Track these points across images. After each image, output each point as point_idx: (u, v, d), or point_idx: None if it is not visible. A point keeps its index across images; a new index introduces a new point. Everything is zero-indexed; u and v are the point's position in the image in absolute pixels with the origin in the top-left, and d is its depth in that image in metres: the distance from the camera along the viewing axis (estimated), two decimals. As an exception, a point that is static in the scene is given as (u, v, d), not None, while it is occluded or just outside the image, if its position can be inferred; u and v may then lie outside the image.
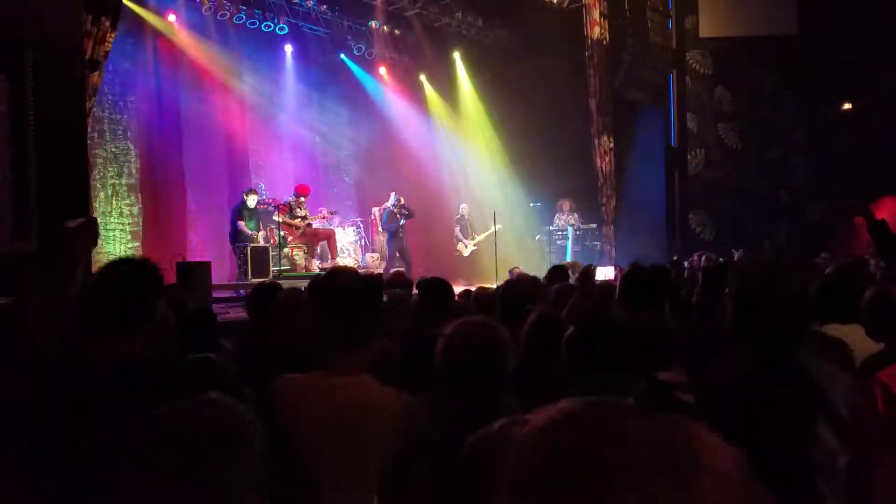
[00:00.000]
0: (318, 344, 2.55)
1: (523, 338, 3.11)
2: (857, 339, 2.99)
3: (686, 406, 2.42)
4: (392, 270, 9.39)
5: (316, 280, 2.75)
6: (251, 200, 11.06)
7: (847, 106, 13.84)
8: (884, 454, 1.75)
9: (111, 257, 9.97)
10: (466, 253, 13.24)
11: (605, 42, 12.94)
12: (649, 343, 2.40)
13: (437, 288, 4.20)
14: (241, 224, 10.84)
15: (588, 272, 4.31)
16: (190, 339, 2.99)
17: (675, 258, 10.44)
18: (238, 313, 7.02)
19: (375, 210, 13.64)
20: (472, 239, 13.29)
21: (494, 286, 6.64)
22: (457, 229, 13.42)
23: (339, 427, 2.30)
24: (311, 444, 2.29)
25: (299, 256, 11.63)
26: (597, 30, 12.89)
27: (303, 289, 4.35)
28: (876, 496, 1.76)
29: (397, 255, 12.35)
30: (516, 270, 10.57)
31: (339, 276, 2.70)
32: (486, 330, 2.37)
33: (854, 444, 1.84)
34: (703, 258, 9.92)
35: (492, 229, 12.89)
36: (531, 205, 13.56)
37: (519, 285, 4.56)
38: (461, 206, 13.57)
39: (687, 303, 4.77)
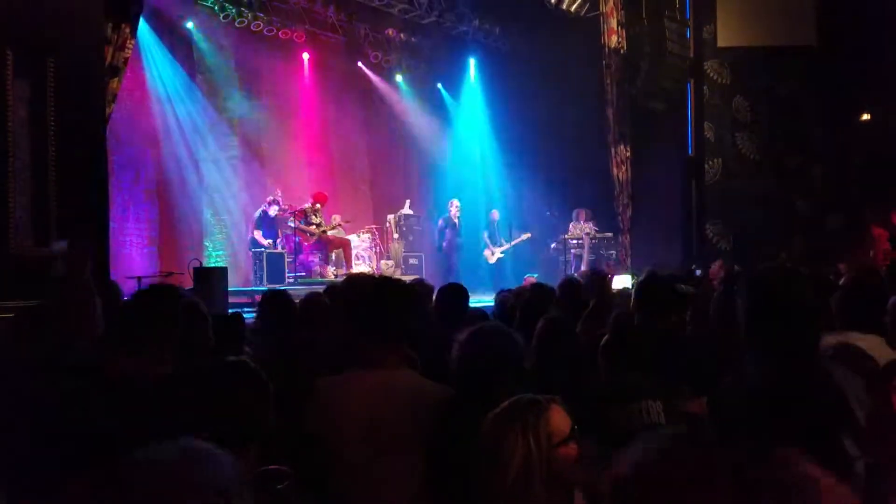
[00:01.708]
0: (343, 343, 2.59)
1: (534, 343, 3.13)
2: (874, 346, 2.95)
3: (699, 418, 2.42)
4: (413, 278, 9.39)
5: (340, 284, 2.82)
6: (272, 210, 11.26)
7: (866, 116, 13.73)
8: None
9: (128, 262, 10.07)
10: (493, 260, 13.08)
11: (622, 51, 12.92)
12: (667, 349, 2.42)
13: (454, 294, 4.24)
14: (258, 234, 11.05)
15: (604, 282, 4.33)
16: (217, 343, 3.04)
17: (692, 267, 10.39)
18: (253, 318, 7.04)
19: (390, 217, 13.66)
20: (500, 246, 13.17)
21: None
22: (485, 235, 13.31)
23: (381, 419, 2.33)
24: (354, 438, 2.32)
25: (314, 262, 11.70)
26: (614, 38, 12.87)
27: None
28: (893, 500, 1.77)
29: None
30: (530, 280, 10.56)
31: (371, 279, 2.78)
32: (500, 335, 2.40)
33: (872, 449, 1.86)
34: (718, 266, 9.86)
35: (521, 237, 12.91)
36: (547, 213, 13.52)
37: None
38: (491, 212, 13.47)
39: (705, 312, 4.75)
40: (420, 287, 5.10)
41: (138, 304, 2.70)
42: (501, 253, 13.10)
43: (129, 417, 1.93)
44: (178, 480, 1.06)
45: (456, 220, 12.78)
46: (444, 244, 12.69)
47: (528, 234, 13.09)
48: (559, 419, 1.70)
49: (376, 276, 10.59)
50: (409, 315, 2.56)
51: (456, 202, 12.98)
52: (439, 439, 2.27)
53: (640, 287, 3.43)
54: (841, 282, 4.80)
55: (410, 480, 2.29)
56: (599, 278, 4.43)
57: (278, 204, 11.49)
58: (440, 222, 12.95)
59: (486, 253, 13.20)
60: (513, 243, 13.06)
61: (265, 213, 11.28)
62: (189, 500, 1.04)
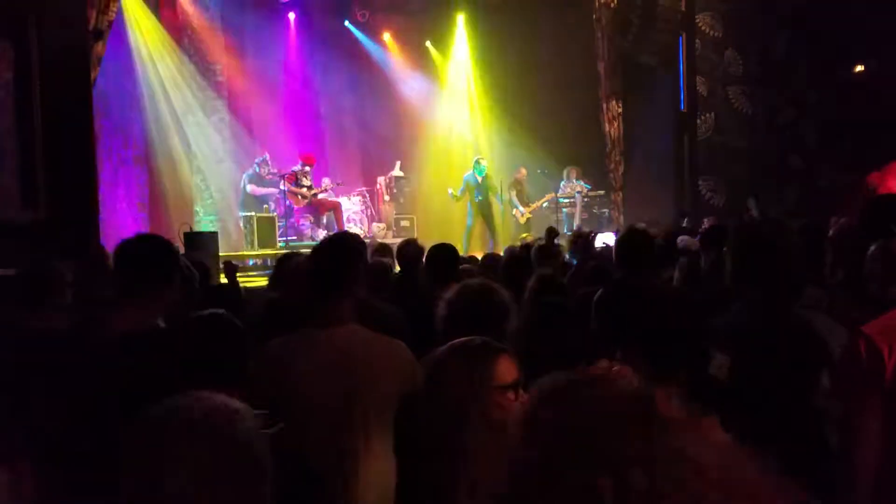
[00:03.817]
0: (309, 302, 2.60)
1: (526, 299, 3.14)
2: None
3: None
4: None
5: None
6: (264, 170, 11.28)
7: (860, 68, 13.62)
8: (866, 403, 1.85)
9: (118, 229, 10.02)
10: (523, 221, 12.51)
11: (613, 4, 12.74)
12: (646, 303, 2.44)
13: (444, 254, 4.23)
14: (251, 187, 11.03)
15: (588, 239, 4.37)
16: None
17: (683, 225, 10.40)
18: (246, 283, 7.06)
19: (381, 179, 13.58)
20: (528, 206, 12.66)
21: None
22: (512, 194, 12.72)
23: (333, 375, 2.34)
24: (309, 398, 2.33)
25: (306, 226, 11.66)
26: (605, -9, 12.69)
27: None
28: (860, 442, 1.86)
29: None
30: (527, 239, 10.53)
31: (324, 238, 2.81)
32: (487, 292, 2.41)
33: (841, 392, 1.95)
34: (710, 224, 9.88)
35: (545, 198, 12.64)
36: (538, 171, 13.45)
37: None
38: (518, 169, 12.95)
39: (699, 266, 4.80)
40: (410, 247, 5.10)
41: (135, 252, 2.57)
42: (531, 213, 12.61)
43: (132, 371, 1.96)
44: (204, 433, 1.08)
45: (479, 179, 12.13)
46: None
47: (552, 194, 12.71)
48: (504, 368, 1.71)
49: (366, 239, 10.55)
50: (348, 271, 2.52)
51: (398, 163, 12.91)
52: (412, 393, 2.31)
53: (618, 243, 3.44)
54: (830, 234, 4.85)
55: (384, 434, 2.32)
56: (584, 237, 4.46)
57: (268, 165, 11.46)
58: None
59: (516, 213, 12.67)
60: (540, 203, 12.71)
61: (256, 173, 11.28)
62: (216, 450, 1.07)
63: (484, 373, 1.68)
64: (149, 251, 2.52)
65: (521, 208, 12.67)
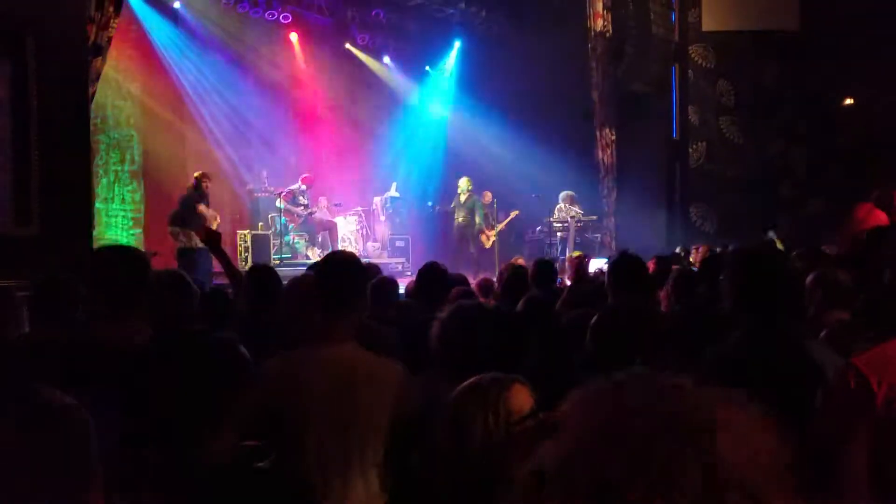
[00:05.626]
0: (307, 320, 2.59)
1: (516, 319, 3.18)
2: None
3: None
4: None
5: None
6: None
7: (849, 101, 13.81)
8: (854, 435, 1.79)
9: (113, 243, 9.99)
10: (489, 245, 12.49)
11: (607, 34, 12.92)
12: (640, 325, 2.47)
13: (434, 274, 4.26)
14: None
15: (581, 263, 4.44)
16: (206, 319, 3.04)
17: (676, 250, 10.47)
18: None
19: (376, 199, 13.63)
20: (494, 228, 12.64)
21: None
22: (477, 218, 12.73)
23: (334, 395, 2.32)
24: (307, 416, 2.30)
25: (300, 244, 11.67)
26: (600, 22, 12.87)
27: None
28: (847, 474, 1.79)
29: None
30: (517, 262, 10.54)
31: (330, 253, 2.81)
32: (480, 312, 2.43)
33: (829, 423, 1.88)
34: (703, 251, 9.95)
35: (510, 216, 12.66)
36: (532, 196, 13.52)
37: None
38: (483, 194, 12.89)
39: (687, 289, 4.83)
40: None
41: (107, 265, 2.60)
42: (496, 235, 12.63)
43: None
44: None
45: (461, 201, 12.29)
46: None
47: (517, 212, 12.69)
48: (520, 398, 1.68)
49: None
50: (353, 287, 2.52)
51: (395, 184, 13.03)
52: (406, 415, 2.31)
53: (611, 266, 3.48)
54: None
55: (376, 457, 2.33)
56: (577, 260, 4.53)
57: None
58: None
59: (482, 238, 12.69)
60: (504, 223, 12.80)
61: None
62: None
63: (500, 409, 1.64)
64: (122, 262, 2.56)
65: (486, 232, 12.61)
